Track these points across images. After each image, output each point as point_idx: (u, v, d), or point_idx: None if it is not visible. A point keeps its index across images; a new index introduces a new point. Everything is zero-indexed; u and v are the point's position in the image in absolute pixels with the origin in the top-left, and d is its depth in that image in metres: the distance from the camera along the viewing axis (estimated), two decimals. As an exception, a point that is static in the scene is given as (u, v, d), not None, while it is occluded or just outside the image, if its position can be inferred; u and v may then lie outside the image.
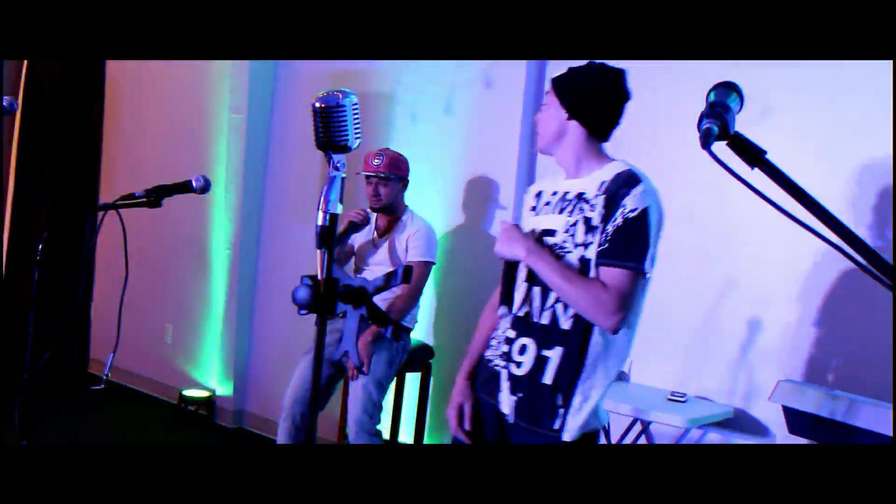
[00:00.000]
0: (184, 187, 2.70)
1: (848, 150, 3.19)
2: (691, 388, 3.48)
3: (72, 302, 5.11)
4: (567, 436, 2.18)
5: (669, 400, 3.33)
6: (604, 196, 2.17)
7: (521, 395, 2.23)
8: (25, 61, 6.26)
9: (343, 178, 1.68)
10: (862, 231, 3.12)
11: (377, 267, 3.91)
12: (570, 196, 2.25)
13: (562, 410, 2.18)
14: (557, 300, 2.19)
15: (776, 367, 3.28)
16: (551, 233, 2.23)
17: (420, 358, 4.15)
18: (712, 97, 1.39)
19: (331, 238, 1.65)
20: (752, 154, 1.32)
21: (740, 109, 1.40)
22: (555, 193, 2.30)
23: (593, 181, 2.23)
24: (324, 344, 1.65)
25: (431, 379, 4.23)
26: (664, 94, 3.65)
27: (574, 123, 2.28)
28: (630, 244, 2.12)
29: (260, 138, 5.28)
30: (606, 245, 2.13)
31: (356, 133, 1.64)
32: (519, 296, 2.28)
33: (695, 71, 3.44)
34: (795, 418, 2.86)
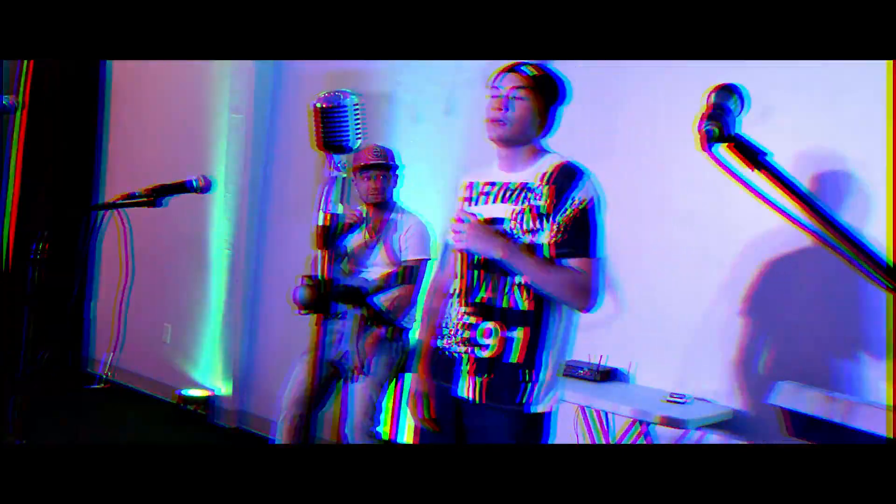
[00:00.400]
0: (184, 187, 2.69)
1: (847, 150, 3.19)
2: (691, 390, 3.48)
3: (68, 301, 5.11)
4: (535, 408, 2.32)
5: (670, 401, 3.33)
6: (549, 186, 2.31)
7: (488, 375, 2.32)
8: (28, 62, 6.26)
9: (343, 179, 1.67)
10: (865, 230, 3.12)
11: (373, 268, 3.89)
12: (513, 186, 2.37)
13: (525, 385, 2.31)
14: (515, 284, 2.30)
15: (775, 369, 3.28)
16: (499, 221, 2.34)
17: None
18: (713, 99, 1.39)
19: (330, 238, 1.65)
20: (754, 156, 1.32)
21: (741, 111, 1.39)
22: (493, 184, 2.42)
23: (534, 172, 2.37)
24: (322, 344, 1.65)
25: (431, 379, 4.22)
26: (664, 94, 3.65)
27: (541, 121, 2.41)
28: (587, 235, 2.28)
29: (260, 138, 5.28)
30: (566, 237, 2.27)
31: (357, 133, 1.63)
32: (472, 284, 2.37)
33: (694, 71, 3.45)
34: (794, 420, 2.86)
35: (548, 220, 2.29)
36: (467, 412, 2.40)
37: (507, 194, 2.37)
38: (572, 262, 2.27)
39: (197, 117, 5.67)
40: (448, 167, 4.37)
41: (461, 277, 2.42)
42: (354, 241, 3.98)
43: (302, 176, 5.06)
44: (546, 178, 2.33)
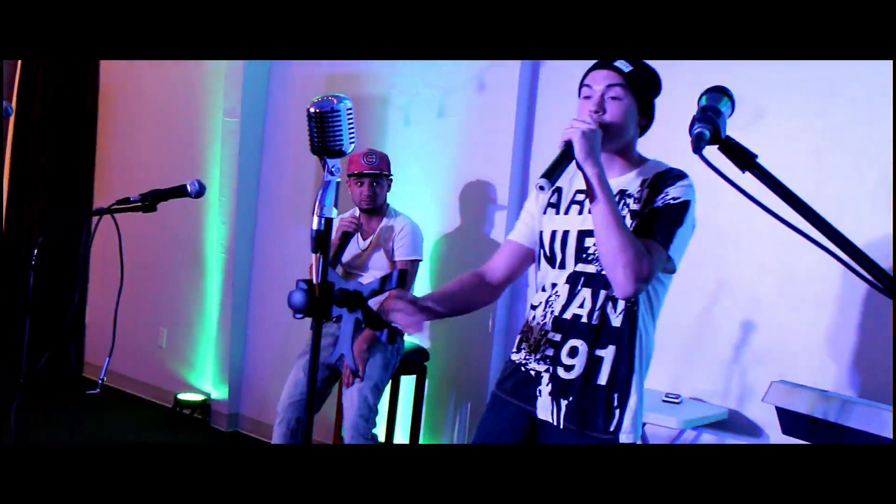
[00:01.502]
0: (179, 192, 2.71)
1: (841, 151, 3.20)
2: (685, 390, 3.49)
3: (67, 306, 5.10)
4: (624, 437, 2.13)
5: (664, 401, 3.34)
6: (647, 189, 2.15)
7: (571, 398, 2.14)
8: (19, 64, 6.25)
9: (338, 183, 1.68)
10: (855, 232, 3.13)
11: (370, 272, 3.90)
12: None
13: (618, 411, 2.13)
14: (607, 300, 2.13)
15: (769, 369, 3.30)
16: (594, 234, 2.11)
17: (415, 360, 4.16)
18: (704, 101, 1.40)
19: (326, 242, 1.65)
20: (744, 158, 1.33)
21: (731, 113, 1.41)
22: (585, 192, 2.18)
23: (634, 180, 2.20)
24: (319, 348, 1.66)
25: (426, 381, 4.24)
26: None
27: (639, 120, 2.24)
28: (664, 224, 2.09)
29: (254, 142, 5.28)
30: (648, 221, 2.10)
31: (350, 137, 1.64)
32: (561, 298, 2.20)
33: (687, 72, 3.46)
34: (789, 419, 2.88)
35: (639, 217, 2.12)
36: (547, 435, 2.21)
37: None
38: (643, 240, 2.04)
39: (191, 121, 5.67)
40: (441, 170, 4.38)
41: (548, 290, 2.24)
42: (348, 246, 4.00)
43: (296, 179, 5.07)
44: (647, 183, 2.16)
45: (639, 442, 2.19)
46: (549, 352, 2.20)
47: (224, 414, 5.34)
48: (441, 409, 4.37)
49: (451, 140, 4.37)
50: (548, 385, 2.19)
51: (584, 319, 2.15)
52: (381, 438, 4.11)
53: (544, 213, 2.30)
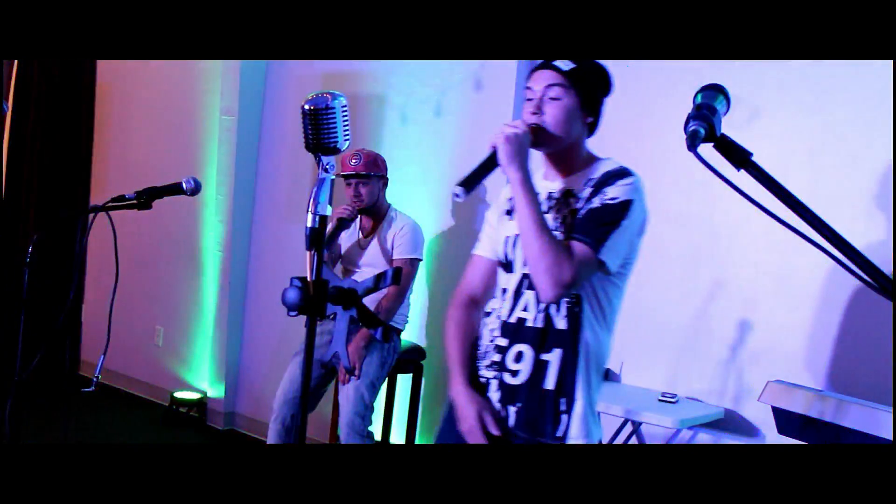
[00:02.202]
0: (174, 189, 2.70)
1: (837, 150, 3.20)
2: (682, 389, 3.49)
3: (63, 304, 5.08)
4: (571, 442, 2.09)
5: (660, 401, 3.34)
6: (592, 189, 2.10)
7: (519, 404, 2.10)
8: (15, 63, 6.24)
9: (332, 180, 1.68)
10: (850, 230, 3.13)
11: (366, 269, 3.90)
12: (555, 195, 2.15)
13: (565, 416, 2.08)
14: (552, 304, 2.08)
15: (766, 368, 3.30)
16: None
17: (411, 359, 4.15)
18: (699, 99, 1.40)
19: (320, 240, 1.65)
20: (739, 156, 1.33)
21: (727, 111, 1.40)
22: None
23: (580, 179, 2.15)
24: (314, 345, 1.66)
25: (423, 380, 4.23)
26: (653, 94, 3.66)
27: (583, 119, 2.17)
28: (597, 226, 2.02)
29: (251, 140, 5.28)
30: (580, 221, 2.05)
31: (345, 135, 1.64)
32: (507, 302, 2.16)
33: (684, 71, 3.46)
34: (785, 419, 2.88)
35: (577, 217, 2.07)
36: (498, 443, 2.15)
37: (551, 204, 2.14)
38: (571, 244, 2.00)
39: (187, 119, 5.66)
40: (437, 169, 4.38)
41: (498, 296, 2.21)
42: (347, 241, 4.00)
43: (293, 177, 5.07)
44: (593, 183, 2.11)
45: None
46: (497, 357, 2.15)
47: (220, 412, 5.34)
48: (437, 407, 4.37)
49: (448, 139, 4.37)
50: (497, 392, 2.15)
51: (530, 323, 2.10)
52: (378, 436, 4.11)
53: (500, 220, 2.27)
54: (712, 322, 3.47)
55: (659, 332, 3.60)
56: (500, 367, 2.14)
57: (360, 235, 3.98)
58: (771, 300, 3.33)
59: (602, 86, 2.22)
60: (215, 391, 5.38)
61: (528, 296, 2.11)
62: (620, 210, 2.05)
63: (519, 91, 4.07)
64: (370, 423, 3.77)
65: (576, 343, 2.08)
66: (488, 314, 2.24)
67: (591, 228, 2.01)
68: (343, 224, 3.85)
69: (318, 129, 1.61)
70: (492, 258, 2.28)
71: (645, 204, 2.14)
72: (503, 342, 2.14)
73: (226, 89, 5.26)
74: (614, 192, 2.05)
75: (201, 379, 5.53)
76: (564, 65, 2.13)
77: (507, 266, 2.19)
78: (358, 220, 3.99)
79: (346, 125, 1.63)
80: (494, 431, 2.11)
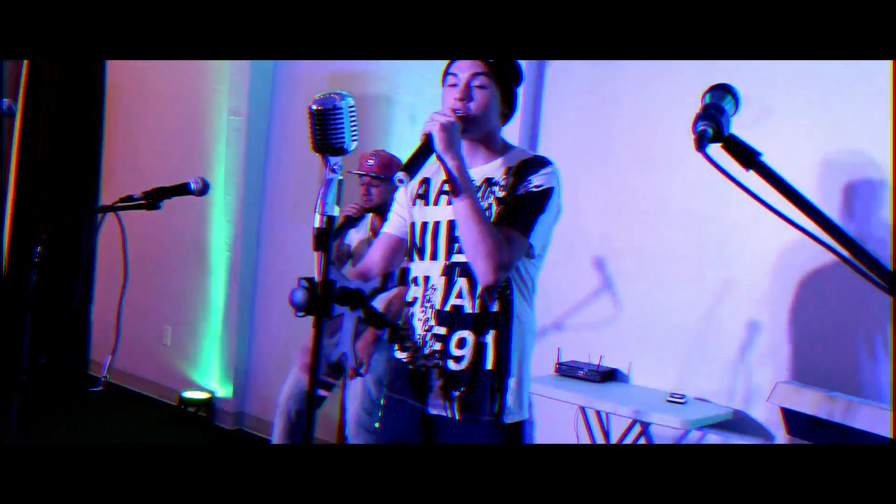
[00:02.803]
0: (182, 189, 2.70)
1: (846, 149, 3.19)
2: (690, 390, 3.48)
3: (70, 304, 5.10)
4: (508, 417, 2.17)
5: (669, 401, 3.33)
6: (512, 178, 2.17)
7: (462, 388, 2.17)
8: (26, 63, 6.27)
9: (340, 181, 1.67)
10: (860, 231, 3.12)
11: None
12: (476, 182, 2.19)
13: (498, 394, 2.16)
14: (485, 288, 2.14)
15: (775, 369, 3.28)
16: None
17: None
18: (707, 99, 1.39)
19: (328, 240, 1.65)
20: (747, 156, 1.32)
21: (735, 111, 1.39)
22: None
23: (499, 167, 2.21)
24: (321, 346, 1.65)
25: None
26: (662, 94, 3.65)
27: (501, 109, 2.24)
28: (525, 212, 2.12)
29: (259, 140, 5.28)
30: (509, 208, 2.13)
31: (353, 135, 1.63)
32: (438, 291, 2.21)
33: (693, 71, 3.45)
34: (794, 420, 2.87)
35: (502, 203, 2.16)
36: (443, 430, 2.23)
37: None
38: (502, 229, 2.08)
39: (196, 119, 5.67)
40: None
41: (421, 284, 2.24)
42: (356, 239, 4.01)
43: (301, 178, 5.07)
44: (512, 171, 2.18)
45: (527, 419, 2.24)
46: (437, 346, 2.20)
47: (228, 412, 5.34)
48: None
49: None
50: (438, 380, 2.20)
51: (468, 309, 2.17)
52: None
53: (413, 204, 2.32)
54: (721, 322, 3.46)
55: (667, 333, 3.59)
56: (443, 354, 2.20)
57: (370, 234, 4.00)
58: (780, 300, 3.32)
59: (516, 79, 2.28)
60: (223, 391, 5.38)
61: (460, 283, 2.18)
62: (543, 197, 2.14)
63: (527, 90, 4.06)
64: (376, 419, 3.77)
65: (508, 323, 2.17)
66: (411, 303, 2.28)
67: (520, 214, 2.11)
68: (349, 221, 3.86)
69: (325, 129, 1.60)
70: (398, 236, 2.36)
71: (560, 185, 2.20)
72: (441, 330, 2.20)
73: (234, 90, 5.27)
74: (538, 181, 2.15)
75: (209, 378, 5.54)
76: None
77: (421, 252, 2.25)
78: (369, 219, 4.01)
79: (354, 125, 1.63)
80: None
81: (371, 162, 3.86)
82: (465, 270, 2.16)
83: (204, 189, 2.72)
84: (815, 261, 3.19)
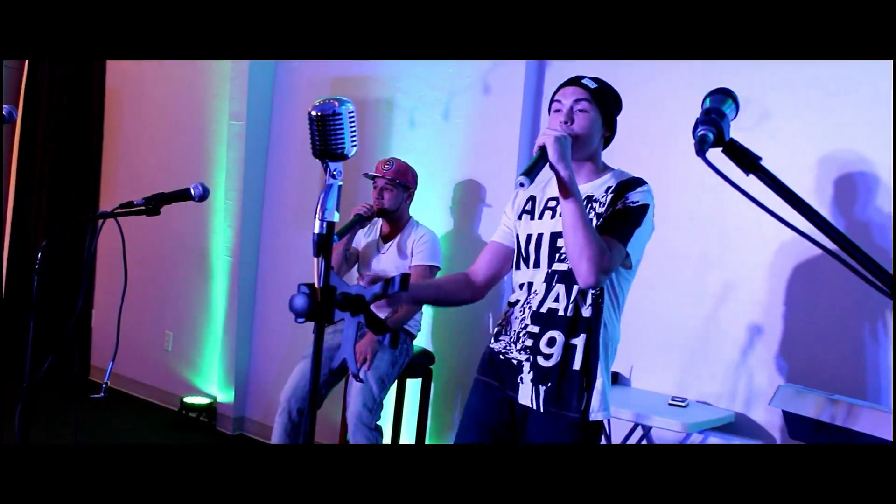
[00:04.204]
0: (182, 195, 2.71)
1: (846, 153, 3.19)
2: (692, 393, 3.48)
3: (72, 310, 5.10)
4: (593, 415, 2.33)
5: (670, 405, 3.33)
6: (612, 195, 2.34)
7: (550, 384, 2.33)
8: (25, 69, 6.27)
9: (340, 186, 1.67)
10: (859, 235, 3.12)
11: (381, 273, 3.93)
12: None
13: (586, 394, 2.33)
14: (579, 293, 2.31)
15: (776, 372, 3.28)
16: None
17: (421, 364, 4.15)
18: (708, 103, 1.39)
19: (328, 246, 1.65)
20: (748, 160, 1.32)
21: (735, 115, 1.40)
22: (557, 199, 2.35)
23: (600, 186, 2.39)
24: (322, 351, 1.65)
25: (432, 385, 4.23)
26: (662, 96, 3.65)
27: (602, 132, 2.43)
28: (624, 224, 2.29)
29: (259, 145, 5.28)
30: (610, 220, 2.29)
31: (353, 141, 1.63)
32: (537, 294, 2.38)
33: (693, 73, 3.45)
34: (796, 423, 2.86)
35: (601, 218, 2.32)
36: (529, 420, 2.39)
37: None
38: (604, 237, 2.24)
39: (196, 124, 5.68)
40: (446, 172, 4.38)
41: (525, 289, 2.42)
42: (364, 242, 4.03)
43: (302, 183, 5.07)
44: (612, 190, 2.35)
45: (608, 419, 2.43)
46: (529, 342, 2.39)
47: (230, 417, 5.34)
48: (447, 412, 4.37)
49: (457, 142, 4.37)
50: (529, 373, 2.38)
51: (561, 312, 2.35)
52: (388, 439, 4.11)
53: (519, 218, 2.51)
54: (722, 325, 3.45)
55: (669, 336, 3.59)
56: (534, 350, 2.37)
57: (379, 238, 4.03)
58: (781, 303, 3.32)
59: (616, 105, 2.48)
60: (225, 396, 5.38)
61: (558, 288, 2.35)
62: (641, 212, 2.32)
63: (528, 93, 4.06)
64: (378, 417, 3.79)
65: (597, 329, 2.34)
66: (513, 305, 2.46)
67: (621, 226, 2.28)
68: (360, 220, 3.88)
69: (326, 135, 1.60)
70: (507, 245, 2.54)
71: (653, 204, 2.40)
72: (535, 329, 2.38)
73: (234, 94, 5.27)
74: (636, 197, 2.32)
75: (211, 384, 5.54)
76: (590, 83, 2.40)
77: (527, 261, 2.43)
78: (379, 224, 4.04)
79: (354, 131, 1.63)
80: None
81: (387, 167, 3.93)
82: (563, 277, 2.34)
83: (204, 195, 2.72)
84: (815, 264, 3.19)
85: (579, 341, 2.33)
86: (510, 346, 2.44)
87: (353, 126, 1.62)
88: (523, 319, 2.41)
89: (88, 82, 6.21)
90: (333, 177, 1.65)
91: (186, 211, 4.14)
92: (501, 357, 2.45)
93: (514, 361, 2.41)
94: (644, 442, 3.44)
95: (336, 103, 1.60)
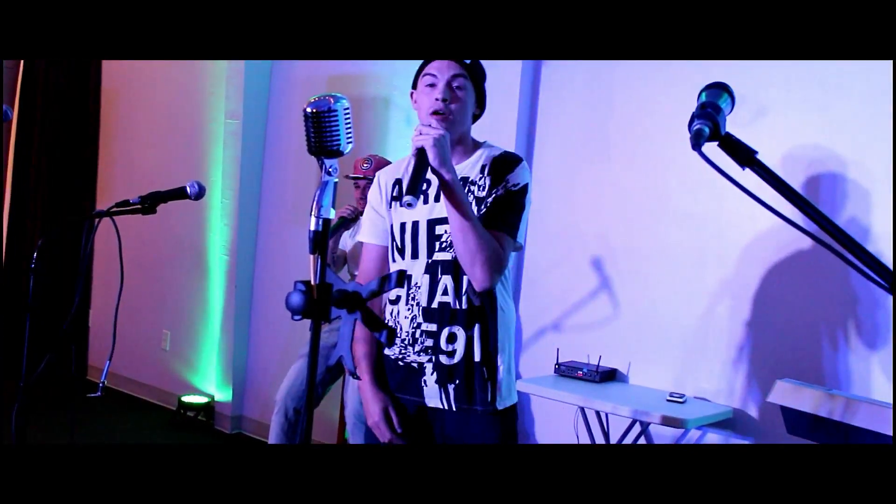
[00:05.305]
0: (178, 193, 2.70)
1: (842, 147, 3.19)
2: (690, 389, 3.48)
3: (69, 309, 5.09)
4: (500, 403, 2.25)
5: (668, 401, 3.33)
6: (490, 176, 2.24)
7: (457, 381, 2.24)
8: (21, 68, 6.26)
9: (336, 183, 1.67)
10: (856, 228, 3.12)
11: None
12: None
13: (490, 383, 2.24)
14: (469, 284, 2.20)
15: (774, 367, 3.28)
16: (445, 220, 2.19)
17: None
18: (703, 98, 1.39)
19: (324, 243, 1.64)
20: (744, 155, 1.32)
21: (731, 110, 1.39)
22: (428, 182, 2.25)
23: (473, 165, 2.28)
24: (318, 350, 1.65)
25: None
26: (658, 93, 3.65)
27: (474, 110, 2.32)
28: (510, 214, 2.20)
29: (256, 143, 5.28)
30: (494, 211, 2.20)
31: (348, 138, 1.63)
32: (423, 288, 2.25)
33: (688, 70, 3.45)
34: (793, 418, 2.86)
35: (483, 203, 2.22)
36: (444, 421, 2.29)
37: None
38: (493, 233, 2.16)
39: (192, 123, 5.67)
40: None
41: (404, 283, 2.28)
42: (351, 243, 4.02)
43: (298, 181, 5.07)
44: (487, 170, 2.25)
45: (516, 403, 2.32)
46: (429, 342, 2.26)
47: (227, 416, 5.34)
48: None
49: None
50: (433, 374, 2.26)
51: (454, 305, 2.23)
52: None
53: (389, 206, 2.36)
54: (720, 321, 3.45)
55: (666, 332, 3.59)
56: (435, 349, 2.25)
57: None
58: (778, 299, 3.32)
59: (484, 79, 2.37)
60: (222, 395, 5.38)
61: (444, 280, 2.24)
62: (522, 195, 2.23)
63: (524, 91, 4.05)
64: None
65: (493, 316, 2.25)
66: (395, 301, 2.32)
67: (508, 216, 2.20)
68: (344, 223, 3.88)
69: (321, 132, 1.60)
70: (381, 244, 2.37)
71: (530, 178, 2.30)
72: (431, 327, 2.26)
73: (230, 93, 5.26)
74: (515, 179, 2.23)
75: (208, 383, 5.53)
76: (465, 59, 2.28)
77: (402, 252, 2.30)
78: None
79: (349, 128, 1.62)
80: (398, 429, 2.29)
81: (366, 166, 3.90)
82: (448, 268, 2.23)
83: (200, 193, 2.72)
84: (812, 259, 3.19)
85: (475, 332, 2.23)
86: (406, 348, 2.29)
87: (349, 122, 1.62)
88: (415, 318, 2.27)
89: (84, 82, 6.20)
90: (329, 174, 1.64)
91: (183, 210, 4.13)
92: (400, 363, 2.31)
93: (415, 364, 2.28)
94: (642, 438, 3.44)
95: (331, 100, 1.59)
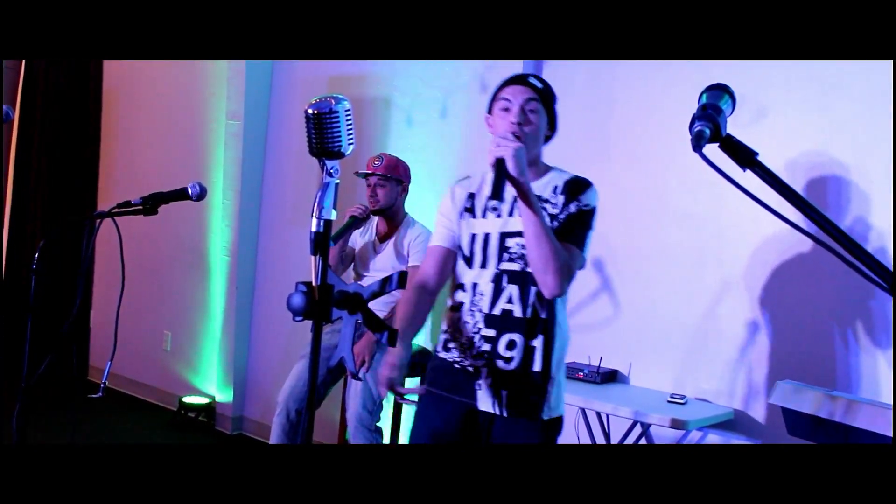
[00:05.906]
0: (180, 195, 2.70)
1: (842, 148, 3.19)
2: (690, 390, 3.48)
3: (70, 310, 5.09)
4: (553, 414, 2.37)
5: (669, 402, 3.33)
6: (563, 195, 2.36)
7: (511, 387, 2.34)
8: (22, 68, 6.26)
9: (337, 185, 1.67)
10: (856, 230, 3.12)
11: (378, 273, 3.91)
12: None
13: (542, 393, 2.35)
14: (537, 295, 2.32)
15: (775, 368, 3.28)
16: (518, 234, 2.32)
17: (419, 362, 4.14)
18: (704, 99, 1.39)
19: (325, 244, 1.64)
20: (745, 156, 1.32)
21: (732, 111, 1.39)
22: (499, 200, 2.29)
23: (546, 185, 2.39)
24: (319, 351, 1.65)
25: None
26: (659, 94, 3.65)
27: (546, 133, 2.43)
28: (580, 229, 2.33)
29: (257, 144, 5.28)
30: (566, 225, 2.32)
31: (349, 139, 1.63)
32: (486, 296, 2.37)
33: (689, 70, 3.45)
34: (794, 419, 2.86)
35: (556, 220, 2.34)
36: (494, 426, 2.38)
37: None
38: (564, 245, 2.28)
39: (193, 124, 5.67)
40: (443, 170, 4.38)
41: (469, 290, 2.40)
42: (361, 242, 4.02)
43: (300, 182, 5.07)
44: (561, 190, 2.36)
45: (561, 416, 2.42)
46: (486, 347, 2.37)
47: (229, 417, 5.34)
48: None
49: (454, 141, 4.36)
50: (487, 378, 2.37)
51: (517, 314, 2.34)
52: (386, 432, 4.10)
53: (461, 217, 2.47)
54: (720, 322, 3.45)
55: (667, 333, 3.59)
56: (492, 354, 2.36)
57: (376, 238, 4.01)
58: (779, 300, 3.32)
59: (555, 102, 2.47)
60: (223, 395, 5.38)
61: (510, 290, 2.35)
62: (592, 215, 2.37)
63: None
64: (378, 419, 3.78)
65: (553, 329, 2.36)
66: (458, 307, 2.43)
67: (578, 231, 2.33)
68: (355, 222, 3.87)
69: (322, 133, 1.60)
70: (450, 248, 2.48)
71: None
72: (491, 332, 2.36)
73: (231, 94, 5.26)
74: (587, 200, 2.36)
75: (209, 383, 5.53)
76: (537, 82, 2.39)
77: (470, 261, 2.42)
78: (374, 222, 4.02)
79: (350, 129, 1.62)
80: (400, 389, 2.37)
81: (377, 163, 3.90)
82: (515, 278, 2.34)
83: (202, 194, 2.72)
84: (813, 260, 3.19)
85: (538, 343, 2.34)
86: (464, 354, 2.41)
87: (350, 124, 1.62)
88: (476, 324, 2.39)
89: (85, 82, 6.20)
90: (330, 175, 1.65)
91: (184, 210, 4.13)
92: (456, 366, 2.42)
93: (470, 368, 2.39)
94: (643, 439, 3.44)
95: (332, 101, 1.59)
